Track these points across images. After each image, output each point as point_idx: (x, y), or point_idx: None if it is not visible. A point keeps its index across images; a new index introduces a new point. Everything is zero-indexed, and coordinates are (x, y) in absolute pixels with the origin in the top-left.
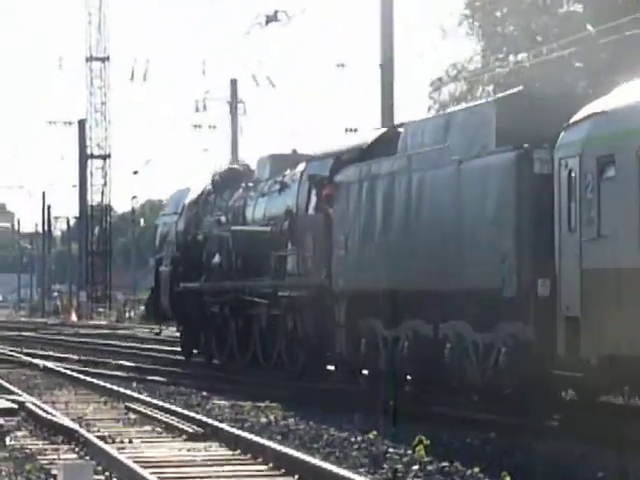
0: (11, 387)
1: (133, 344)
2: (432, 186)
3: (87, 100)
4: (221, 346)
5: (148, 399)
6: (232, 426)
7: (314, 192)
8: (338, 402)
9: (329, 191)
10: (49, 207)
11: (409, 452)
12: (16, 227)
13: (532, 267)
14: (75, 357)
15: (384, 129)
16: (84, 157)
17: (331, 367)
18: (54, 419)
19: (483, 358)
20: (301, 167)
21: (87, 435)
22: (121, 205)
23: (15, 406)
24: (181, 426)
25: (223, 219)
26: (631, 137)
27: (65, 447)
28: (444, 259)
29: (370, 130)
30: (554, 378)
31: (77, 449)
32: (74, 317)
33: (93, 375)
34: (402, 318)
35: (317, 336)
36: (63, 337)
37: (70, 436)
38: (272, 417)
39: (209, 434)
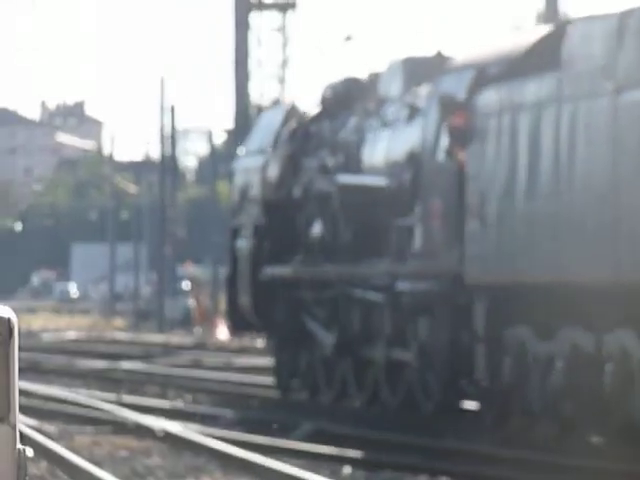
0: (100, 475)
1: None
2: (588, 124)
3: None
4: (330, 375)
5: None
6: None
7: (445, 125)
8: None
9: (461, 123)
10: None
11: None
12: (107, 150)
13: None
14: (228, 414)
15: (547, 28)
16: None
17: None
18: None
19: None
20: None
21: None
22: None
23: None
24: None
25: (330, 163)
26: None
27: None
28: (601, 237)
29: (530, 29)
30: None
31: None
32: (222, 332)
33: (265, 450)
34: (558, 326)
35: (450, 354)
36: (200, 373)
37: None
38: None
39: None
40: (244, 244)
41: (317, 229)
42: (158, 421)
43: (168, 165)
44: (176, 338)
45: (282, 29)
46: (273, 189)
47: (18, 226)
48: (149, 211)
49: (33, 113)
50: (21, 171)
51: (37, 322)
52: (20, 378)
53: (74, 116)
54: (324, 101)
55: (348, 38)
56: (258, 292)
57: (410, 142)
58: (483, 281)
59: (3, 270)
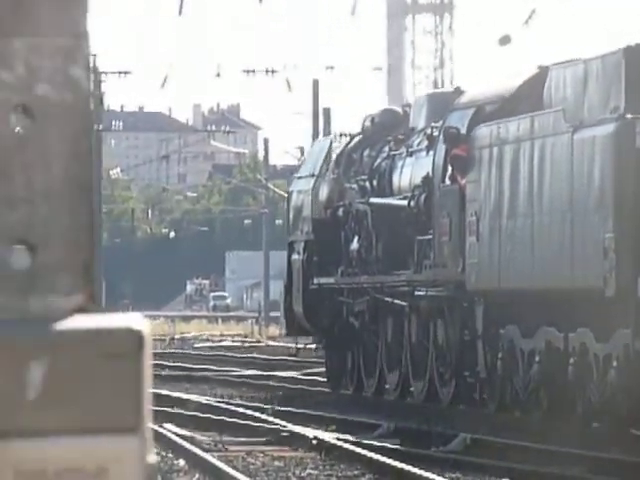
0: None
1: None
2: (550, 160)
3: None
4: (370, 370)
5: None
6: None
7: (449, 155)
8: None
9: (460, 153)
10: None
11: None
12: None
13: (633, 263)
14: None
15: (532, 71)
16: None
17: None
18: None
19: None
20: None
21: None
22: None
23: None
24: None
25: (368, 186)
26: None
27: None
28: (561, 252)
29: (522, 71)
30: None
31: None
32: None
33: (419, 461)
34: (537, 326)
35: (457, 351)
36: None
37: None
38: None
39: None
40: (297, 257)
41: (355, 244)
42: (312, 431)
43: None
44: None
45: (437, 32)
46: (321, 209)
47: (172, 234)
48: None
49: (186, 116)
50: (175, 178)
51: (191, 330)
52: (174, 387)
53: (229, 120)
54: (364, 130)
55: (505, 40)
56: (308, 300)
57: (426, 169)
58: (479, 287)
59: (158, 279)
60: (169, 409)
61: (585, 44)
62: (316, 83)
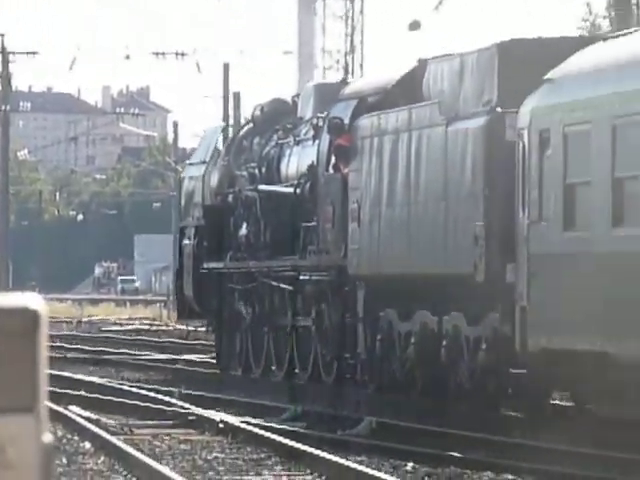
0: (162, 470)
1: None
2: (426, 150)
3: None
4: (257, 353)
5: None
6: None
7: (333, 144)
8: None
9: (343, 143)
10: None
11: None
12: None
13: (501, 250)
14: (295, 406)
15: (412, 64)
16: None
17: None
18: None
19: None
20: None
21: None
22: None
23: None
24: None
25: (257, 173)
26: (559, 110)
27: None
28: (435, 239)
29: (402, 65)
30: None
31: None
32: None
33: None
34: (414, 309)
35: (339, 334)
36: None
37: None
38: None
39: None
40: (188, 242)
41: (243, 230)
42: (218, 414)
43: None
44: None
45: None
46: (212, 195)
47: (80, 217)
48: None
49: (95, 98)
50: (83, 160)
51: (99, 313)
52: (78, 370)
53: (138, 103)
54: (254, 119)
55: (414, 25)
56: (198, 284)
57: (311, 157)
58: (360, 272)
59: (65, 262)
60: (73, 391)
61: (495, 31)
62: (226, 67)
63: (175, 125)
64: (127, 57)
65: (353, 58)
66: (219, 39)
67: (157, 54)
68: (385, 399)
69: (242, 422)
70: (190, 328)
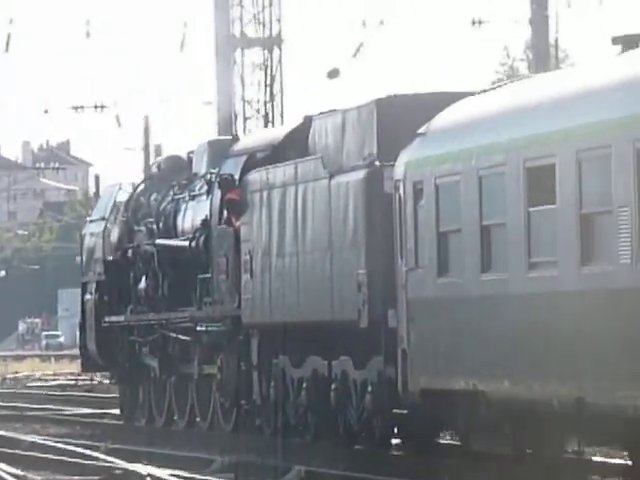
0: None
1: None
2: (312, 203)
3: None
4: (160, 403)
5: None
6: None
7: (225, 199)
8: None
9: (234, 197)
10: None
11: None
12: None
13: (383, 296)
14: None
15: (299, 121)
16: None
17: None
18: None
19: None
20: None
21: None
22: None
23: None
24: None
25: (155, 228)
26: (431, 163)
27: None
28: (322, 287)
29: (295, 120)
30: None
31: None
32: None
33: None
34: (306, 355)
35: (235, 381)
36: None
37: None
38: None
39: None
40: (89, 297)
41: (143, 284)
42: (145, 468)
43: None
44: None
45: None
46: (112, 250)
47: (2, 273)
48: None
49: (15, 153)
50: (4, 215)
51: (24, 369)
52: (4, 427)
53: (59, 157)
54: (151, 176)
55: (333, 73)
56: (101, 337)
57: (205, 212)
58: (253, 321)
59: None
60: (0, 448)
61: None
62: (146, 118)
63: (97, 178)
64: (46, 111)
65: (273, 107)
66: (138, 91)
67: (76, 108)
68: (315, 447)
69: (171, 475)
70: (94, 381)
